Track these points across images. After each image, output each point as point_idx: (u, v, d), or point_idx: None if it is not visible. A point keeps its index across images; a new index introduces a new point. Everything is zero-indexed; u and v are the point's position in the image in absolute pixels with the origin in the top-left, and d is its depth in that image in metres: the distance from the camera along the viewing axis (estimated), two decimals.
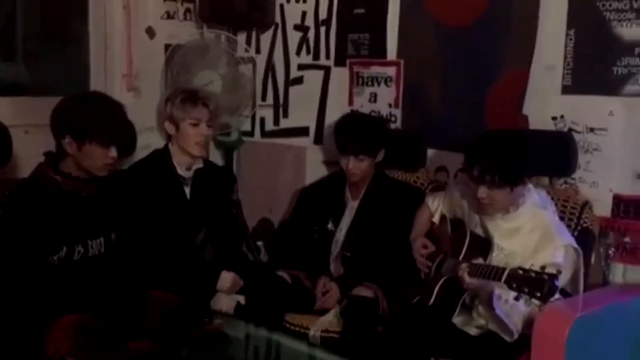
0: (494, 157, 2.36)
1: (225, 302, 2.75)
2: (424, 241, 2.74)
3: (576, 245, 2.38)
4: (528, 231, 2.41)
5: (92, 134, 2.33)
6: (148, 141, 3.16)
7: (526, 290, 2.10)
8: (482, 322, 2.42)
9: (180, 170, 2.86)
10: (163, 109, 2.90)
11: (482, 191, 2.38)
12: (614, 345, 2.27)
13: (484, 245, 2.48)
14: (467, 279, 2.33)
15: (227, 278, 2.76)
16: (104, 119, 2.35)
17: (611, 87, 2.70)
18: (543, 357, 2.12)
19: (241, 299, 2.77)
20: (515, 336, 2.28)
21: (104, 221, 2.48)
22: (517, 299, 2.14)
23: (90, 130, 2.33)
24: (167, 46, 3.51)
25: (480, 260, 2.42)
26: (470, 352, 2.37)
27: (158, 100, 3.51)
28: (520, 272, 2.14)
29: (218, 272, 2.76)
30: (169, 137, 2.92)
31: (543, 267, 2.10)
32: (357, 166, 2.86)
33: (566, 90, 2.81)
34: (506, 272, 2.18)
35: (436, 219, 2.78)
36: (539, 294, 2.07)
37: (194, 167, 2.89)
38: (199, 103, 2.82)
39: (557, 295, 2.18)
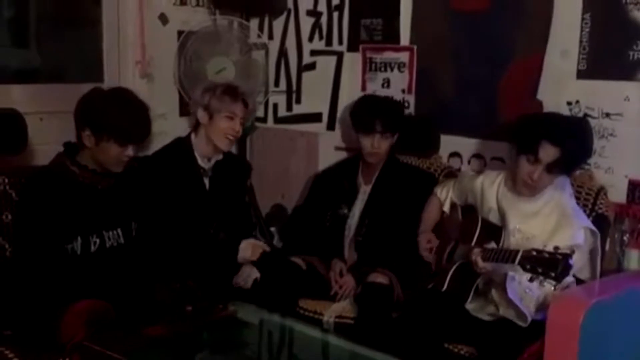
0: (574, 144, 2.33)
1: (243, 275, 2.76)
2: (428, 236, 2.75)
3: (593, 228, 2.38)
4: (547, 214, 2.41)
5: (111, 132, 2.34)
6: (160, 128, 3.16)
7: (540, 270, 2.09)
8: (493, 309, 2.42)
9: (201, 162, 2.86)
10: (199, 98, 2.86)
11: (540, 174, 2.35)
12: (629, 332, 2.26)
13: (496, 230, 2.48)
14: (481, 263, 2.33)
15: (245, 247, 2.77)
16: (126, 120, 2.34)
17: (627, 72, 2.67)
18: (557, 343, 2.11)
19: (257, 274, 2.78)
20: (529, 320, 2.28)
21: (121, 212, 2.49)
22: (531, 280, 2.13)
23: (109, 128, 2.33)
24: (179, 33, 3.50)
25: (493, 245, 2.41)
26: (483, 338, 2.38)
27: (171, 87, 3.52)
28: (534, 253, 2.14)
29: (231, 252, 2.77)
30: (194, 128, 2.91)
31: (556, 248, 2.09)
32: (381, 144, 2.88)
33: (581, 75, 2.78)
34: (520, 254, 2.18)
35: (446, 207, 2.78)
36: (553, 274, 2.07)
37: (214, 159, 2.89)
38: (239, 99, 2.84)
39: (570, 278, 2.17)
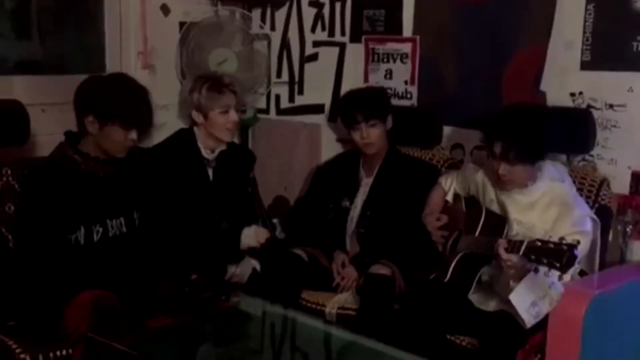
0: (517, 133, 2.34)
1: (239, 268, 2.77)
2: (436, 215, 2.74)
3: (594, 216, 2.38)
4: (546, 204, 2.40)
5: (116, 115, 2.34)
6: (163, 119, 3.17)
7: (545, 261, 2.08)
8: (496, 302, 2.42)
9: (205, 153, 2.86)
10: (188, 99, 2.85)
11: (504, 168, 2.37)
12: (631, 323, 2.27)
13: (500, 221, 2.48)
14: (505, 255, 2.25)
15: (248, 234, 2.78)
16: (129, 102, 2.36)
17: (631, 63, 2.66)
18: (560, 334, 2.12)
19: (256, 264, 2.79)
20: (529, 325, 2.26)
21: (124, 201, 2.50)
22: (536, 270, 2.12)
23: (114, 111, 2.34)
24: (181, 24, 3.50)
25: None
26: (485, 329, 2.38)
27: (173, 78, 3.52)
28: (539, 243, 2.13)
29: (234, 240, 2.78)
30: (194, 123, 2.89)
31: (562, 238, 2.09)
32: (370, 133, 2.86)
33: (585, 66, 2.77)
34: (524, 244, 2.17)
35: (449, 197, 2.78)
36: (558, 265, 2.06)
37: (218, 150, 2.88)
38: (225, 90, 2.81)
39: (576, 265, 2.17)
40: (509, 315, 2.32)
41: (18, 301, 2.34)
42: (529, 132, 2.34)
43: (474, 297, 2.51)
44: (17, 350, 2.21)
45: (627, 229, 2.64)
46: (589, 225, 2.33)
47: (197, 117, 2.83)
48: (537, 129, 2.36)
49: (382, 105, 2.93)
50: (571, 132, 2.67)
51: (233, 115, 2.82)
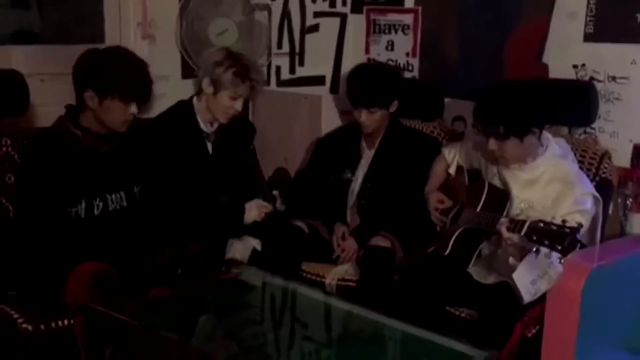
0: (498, 108, 2.35)
1: (239, 250, 2.78)
2: (439, 196, 2.73)
3: (596, 194, 2.37)
4: (547, 182, 2.39)
5: (115, 89, 2.33)
6: (162, 90, 3.14)
7: (547, 242, 2.07)
8: (494, 278, 2.43)
9: (204, 127, 2.83)
10: (209, 67, 2.78)
11: (492, 143, 2.37)
12: (630, 296, 2.27)
13: (502, 196, 2.47)
14: (507, 234, 2.24)
15: (250, 208, 2.78)
16: (128, 75, 2.35)
17: (634, 35, 2.64)
18: (558, 307, 2.13)
19: (257, 244, 2.80)
20: (530, 299, 2.27)
21: (124, 175, 2.49)
22: (537, 251, 2.12)
23: (113, 85, 2.33)
24: None
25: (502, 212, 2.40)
26: (484, 301, 2.39)
27: (173, 48, 3.49)
28: (541, 224, 2.11)
29: (237, 214, 2.78)
30: (199, 90, 2.86)
31: (564, 221, 2.08)
32: (369, 118, 2.85)
33: (588, 38, 2.75)
34: (527, 225, 2.16)
35: (452, 170, 2.77)
36: (559, 247, 2.04)
37: (217, 123, 2.85)
38: (247, 81, 2.75)
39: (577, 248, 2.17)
40: (508, 288, 2.33)
41: (19, 271, 2.36)
42: (510, 106, 2.34)
43: (473, 270, 2.51)
44: (19, 320, 2.23)
45: (628, 202, 2.64)
46: (589, 204, 2.32)
47: (208, 87, 2.78)
48: (519, 103, 2.35)
49: (387, 94, 2.85)
50: (573, 105, 2.66)
51: (239, 104, 2.79)
